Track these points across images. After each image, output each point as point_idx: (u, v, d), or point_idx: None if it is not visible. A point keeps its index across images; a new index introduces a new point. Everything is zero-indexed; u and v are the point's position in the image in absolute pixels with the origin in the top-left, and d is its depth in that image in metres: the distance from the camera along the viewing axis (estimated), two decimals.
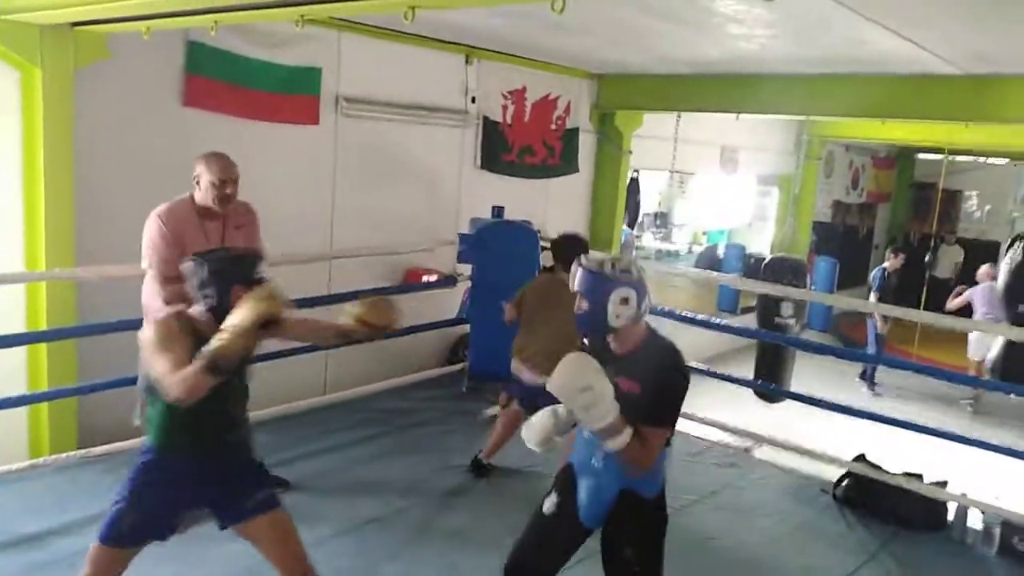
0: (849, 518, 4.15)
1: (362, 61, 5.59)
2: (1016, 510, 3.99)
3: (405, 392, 5.44)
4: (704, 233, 14.14)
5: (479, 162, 6.59)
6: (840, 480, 4.37)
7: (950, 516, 4.11)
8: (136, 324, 3.90)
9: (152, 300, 3.39)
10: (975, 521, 4.02)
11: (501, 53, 6.48)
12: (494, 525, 3.73)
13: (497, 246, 5.47)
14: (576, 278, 2.30)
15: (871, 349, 9.18)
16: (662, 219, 13.66)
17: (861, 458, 4.48)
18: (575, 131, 7.42)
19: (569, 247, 3.92)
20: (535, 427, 2.38)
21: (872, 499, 4.19)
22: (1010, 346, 5.70)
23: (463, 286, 5.81)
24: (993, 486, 4.68)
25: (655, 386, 2.22)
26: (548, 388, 2.16)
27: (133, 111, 4.54)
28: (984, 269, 8.67)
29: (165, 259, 3.26)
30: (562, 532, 2.43)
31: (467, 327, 5.73)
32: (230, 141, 4.89)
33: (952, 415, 8.31)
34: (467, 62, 6.33)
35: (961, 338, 8.48)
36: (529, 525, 2.50)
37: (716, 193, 11.59)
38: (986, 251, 12.88)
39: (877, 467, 4.36)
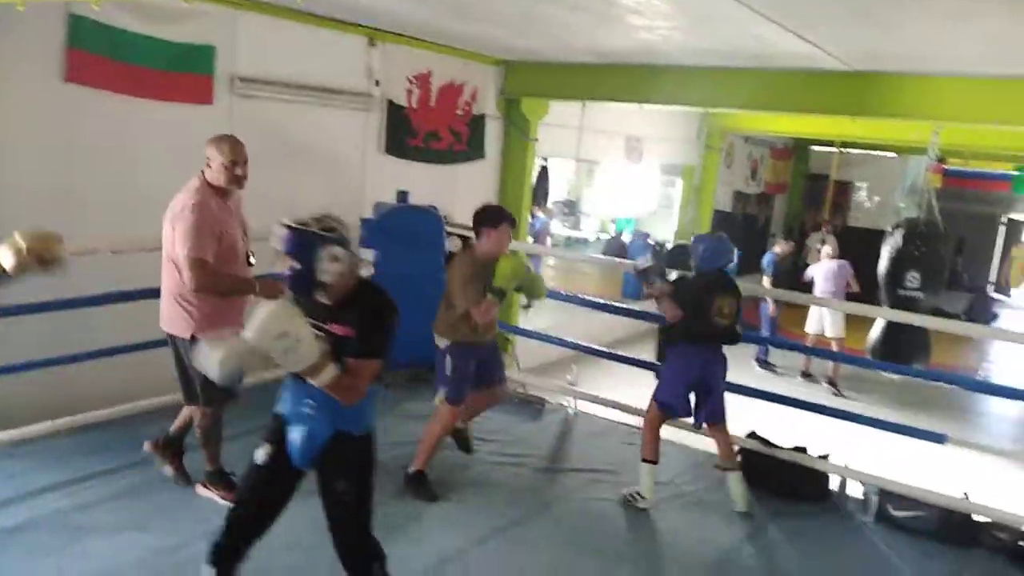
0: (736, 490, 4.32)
1: (260, 40, 5.42)
2: (890, 479, 4.25)
3: None
4: (612, 221, 14.44)
5: (384, 147, 6.51)
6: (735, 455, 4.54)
7: (833, 487, 4.35)
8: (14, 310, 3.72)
9: (177, 285, 3.38)
10: (855, 491, 4.26)
11: (406, 36, 6.40)
12: (393, 511, 3.72)
13: (401, 232, 5.42)
14: (283, 240, 2.40)
15: (764, 332, 9.57)
16: (571, 207, 13.88)
17: (753, 435, 4.68)
18: (482, 117, 7.42)
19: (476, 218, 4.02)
20: (223, 347, 2.34)
21: (763, 473, 4.38)
22: (889, 328, 6.04)
23: (367, 272, 5.72)
24: (870, 457, 4.92)
25: (365, 325, 2.45)
26: (245, 337, 2.25)
27: (10, 86, 4.28)
28: (825, 250, 9.53)
29: (206, 246, 3.31)
30: (277, 478, 2.59)
31: None
32: (116, 119, 4.72)
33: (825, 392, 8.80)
34: (370, 44, 6.23)
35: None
36: (244, 477, 2.66)
37: (622, 182, 11.83)
38: (879, 238, 13.64)
39: (768, 442, 4.56)
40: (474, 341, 3.96)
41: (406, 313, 5.05)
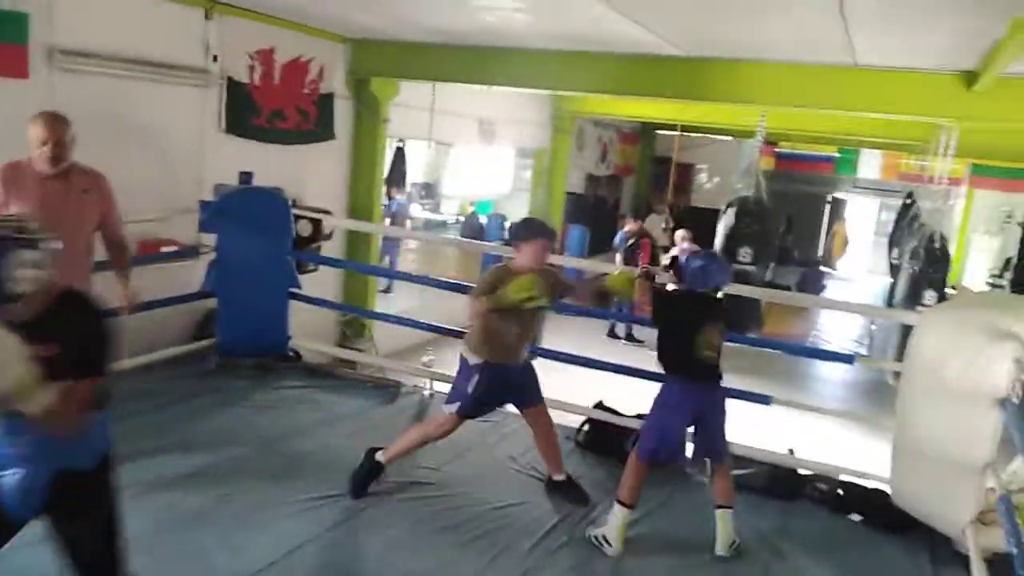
0: (589, 460, 4.50)
1: (82, 8, 5.02)
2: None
3: (147, 373, 5.03)
4: (472, 204, 14.50)
5: (224, 125, 6.21)
6: (581, 426, 4.71)
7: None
8: None
9: None
10: (691, 452, 4.52)
11: (245, 10, 6.12)
12: (239, 501, 3.61)
13: (244, 215, 5.22)
14: None
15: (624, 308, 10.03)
16: (429, 190, 13.82)
17: (599, 405, 4.86)
18: (330, 96, 7.24)
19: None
20: None
21: (608, 442, 4.57)
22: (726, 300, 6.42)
23: (208, 257, 5.48)
24: None
25: (74, 338, 2.12)
26: None
27: None
28: (680, 233, 10.14)
29: None
30: None
31: (215, 301, 5.41)
32: None
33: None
34: (207, 17, 5.91)
35: None
36: None
37: (477, 164, 11.91)
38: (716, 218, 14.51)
39: (613, 411, 4.76)
40: (507, 361, 3.78)
41: (251, 299, 4.91)
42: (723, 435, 3.74)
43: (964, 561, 3.43)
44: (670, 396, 3.65)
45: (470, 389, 3.73)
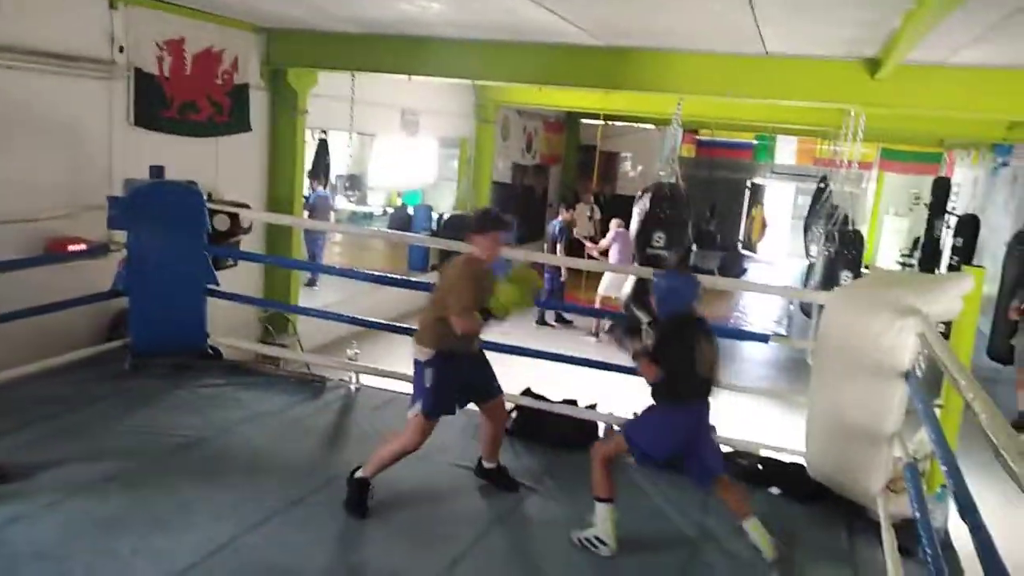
0: (518, 447, 4.51)
1: None
2: None
3: (57, 375, 4.81)
4: (400, 195, 14.36)
5: (133, 118, 5.98)
6: (509, 413, 4.72)
7: (600, 434, 4.67)
8: None
9: None
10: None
11: None
12: (157, 504, 3.51)
13: (155, 210, 5.04)
14: None
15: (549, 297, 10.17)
16: (355, 181, 13.62)
17: (528, 392, 4.89)
18: (244, 87, 7.05)
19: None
20: None
21: (537, 428, 4.60)
22: (639, 283, 6.54)
23: (119, 255, 5.28)
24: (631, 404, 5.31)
25: None
26: None
27: None
28: (615, 221, 10.52)
29: None
30: None
31: (126, 300, 5.21)
32: None
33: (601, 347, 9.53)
34: (111, 6, 5.68)
35: None
36: None
37: (402, 155, 11.79)
38: None
39: (541, 398, 4.80)
40: (459, 351, 3.61)
41: (165, 297, 4.76)
42: (716, 448, 3.71)
43: (877, 528, 3.58)
44: (674, 416, 3.50)
45: (427, 384, 3.59)
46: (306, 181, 9.53)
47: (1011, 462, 1.81)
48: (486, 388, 3.84)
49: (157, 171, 5.33)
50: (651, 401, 3.55)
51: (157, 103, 6.15)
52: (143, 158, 5.59)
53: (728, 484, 3.60)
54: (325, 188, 10.89)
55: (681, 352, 3.45)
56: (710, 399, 3.54)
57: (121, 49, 5.83)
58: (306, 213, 10.78)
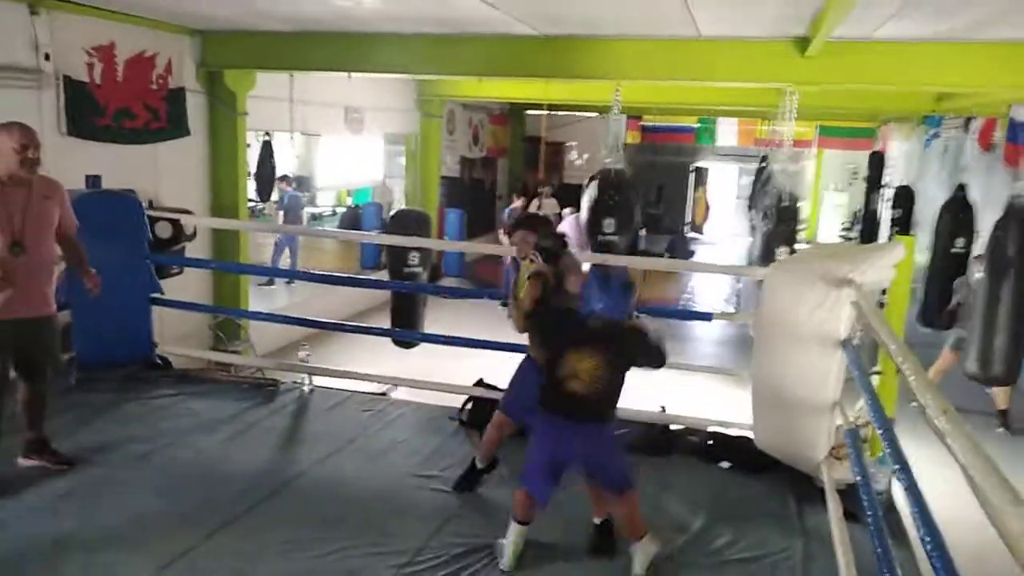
0: (474, 438, 4.54)
1: None
2: None
3: None
4: (350, 194, 14.26)
5: (65, 128, 5.85)
6: (464, 405, 4.77)
7: None
8: None
9: None
10: None
11: (77, 4, 5.77)
12: (110, 519, 3.46)
13: (93, 221, 4.90)
14: None
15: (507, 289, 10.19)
16: (303, 182, 13.49)
17: (480, 383, 4.93)
18: (180, 91, 6.93)
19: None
20: None
21: (490, 416, 4.62)
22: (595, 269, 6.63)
23: (58, 268, 5.15)
24: None
25: None
26: None
27: None
28: (567, 210, 10.70)
29: None
30: None
31: (68, 314, 5.10)
32: None
33: None
34: (33, 12, 5.53)
35: None
36: None
37: (347, 153, 11.71)
38: None
39: (493, 387, 4.84)
40: None
41: (108, 308, 4.67)
42: (613, 467, 3.26)
43: (823, 494, 3.70)
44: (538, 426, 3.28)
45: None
46: (264, 183, 9.43)
47: (935, 419, 1.90)
48: None
49: (94, 181, 5.23)
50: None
51: (90, 111, 6.02)
52: (78, 168, 5.46)
53: (620, 503, 3.23)
54: (270, 191, 10.77)
55: (547, 351, 3.11)
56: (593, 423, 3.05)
57: (47, 56, 5.69)
58: (280, 214, 10.67)
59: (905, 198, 11.43)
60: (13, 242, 3.56)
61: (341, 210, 14.34)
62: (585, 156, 17.25)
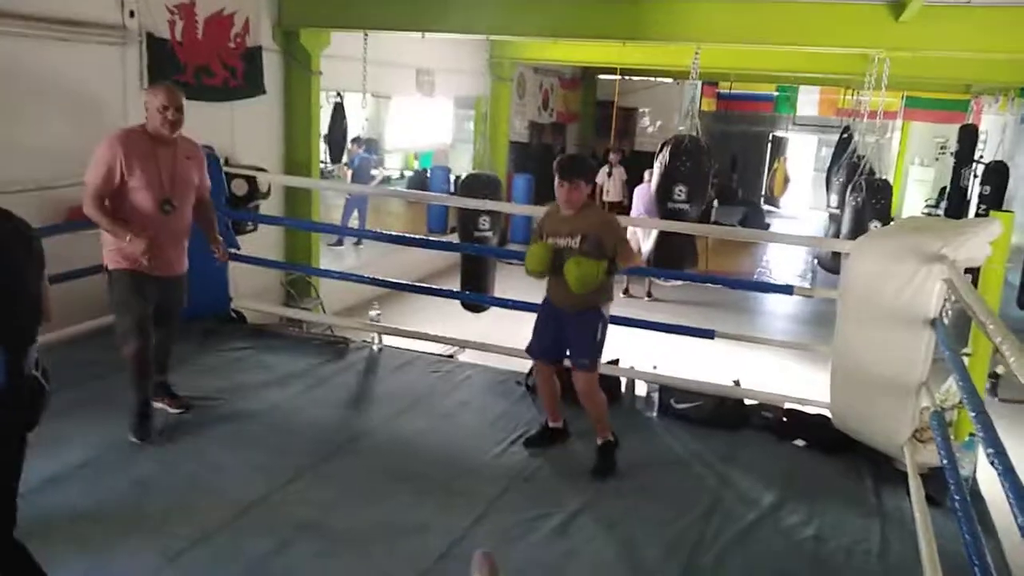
0: (539, 404, 4.52)
1: None
2: (670, 376, 4.64)
3: (81, 343, 4.86)
4: (416, 157, 14.29)
5: (147, 85, 5.95)
6: (530, 371, 4.73)
7: (622, 388, 4.67)
8: None
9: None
10: (640, 390, 4.60)
11: None
12: (188, 466, 3.56)
13: None
14: None
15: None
16: (371, 145, 13.57)
17: None
18: (257, 50, 6.99)
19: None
20: None
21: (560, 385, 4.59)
22: (661, 237, 6.49)
23: None
24: (655, 357, 5.29)
25: None
26: None
27: None
28: (648, 173, 10.04)
29: (104, 177, 3.58)
30: None
31: None
32: None
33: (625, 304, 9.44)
34: None
35: None
36: None
37: (417, 116, 11.69)
38: None
39: None
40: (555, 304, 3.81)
41: (191, 263, 4.76)
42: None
43: (903, 477, 3.56)
44: None
45: (598, 339, 3.76)
46: (335, 146, 9.50)
47: None
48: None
49: None
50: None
51: (171, 68, 6.12)
52: None
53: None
54: (343, 153, 10.86)
55: None
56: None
57: (132, 14, 5.79)
58: (350, 175, 10.79)
59: (998, 174, 10.84)
60: (164, 200, 3.68)
61: (408, 174, 14.41)
62: (658, 123, 16.88)
